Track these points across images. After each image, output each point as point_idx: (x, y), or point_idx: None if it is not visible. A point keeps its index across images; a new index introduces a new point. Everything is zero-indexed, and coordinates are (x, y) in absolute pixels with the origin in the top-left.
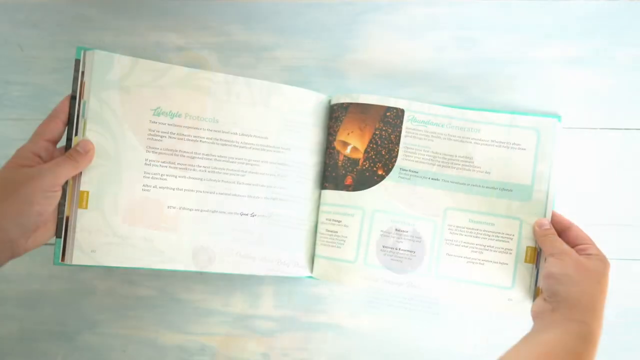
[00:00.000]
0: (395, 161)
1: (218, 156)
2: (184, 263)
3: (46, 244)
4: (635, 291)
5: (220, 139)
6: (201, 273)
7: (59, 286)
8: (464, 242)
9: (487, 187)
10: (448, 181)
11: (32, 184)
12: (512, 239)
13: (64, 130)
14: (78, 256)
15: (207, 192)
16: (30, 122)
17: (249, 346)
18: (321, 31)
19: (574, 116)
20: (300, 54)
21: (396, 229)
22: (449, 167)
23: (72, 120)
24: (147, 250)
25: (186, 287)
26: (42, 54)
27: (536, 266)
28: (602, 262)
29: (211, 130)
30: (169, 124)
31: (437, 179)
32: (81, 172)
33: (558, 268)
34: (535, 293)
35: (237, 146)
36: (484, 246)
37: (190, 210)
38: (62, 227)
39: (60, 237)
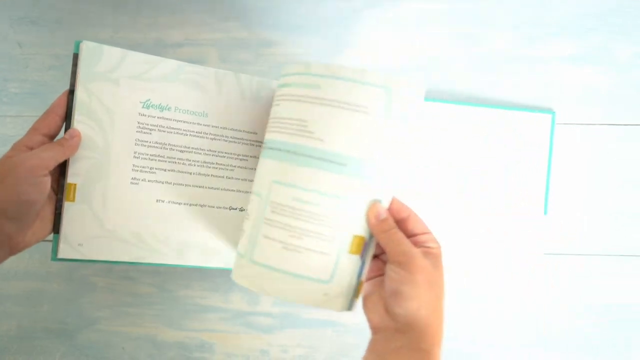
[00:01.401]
0: None
1: (207, 150)
2: (172, 257)
3: (45, 241)
4: (633, 287)
5: (210, 133)
6: (193, 268)
7: (57, 283)
8: (284, 224)
9: (316, 158)
10: (278, 149)
11: (15, 170)
12: (337, 224)
13: (62, 125)
14: (64, 250)
15: (197, 186)
16: (28, 119)
17: (248, 343)
18: (320, 27)
19: (573, 113)
20: (300, 50)
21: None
22: (282, 132)
23: (69, 116)
24: (136, 244)
25: (185, 284)
26: (41, 50)
27: (362, 257)
28: (440, 259)
29: (201, 124)
30: (158, 117)
31: (271, 148)
32: (68, 164)
33: (409, 287)
34: (358, 289)
35: (226, 140)
36: (305, 230)
37: (179, 204)
38: (59, 223)
39: (58, 233)
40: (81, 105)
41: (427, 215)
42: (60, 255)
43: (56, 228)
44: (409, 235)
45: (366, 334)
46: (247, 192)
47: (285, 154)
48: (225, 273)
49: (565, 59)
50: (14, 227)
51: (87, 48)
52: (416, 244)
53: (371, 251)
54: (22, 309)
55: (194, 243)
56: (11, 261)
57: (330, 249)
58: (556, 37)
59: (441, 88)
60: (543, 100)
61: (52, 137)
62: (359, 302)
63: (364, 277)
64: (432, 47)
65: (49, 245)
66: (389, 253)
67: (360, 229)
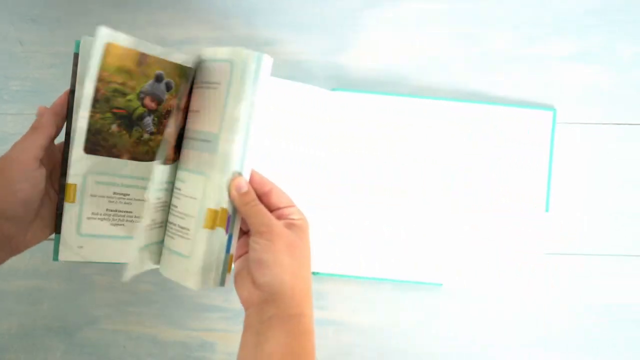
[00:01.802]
0: None
1: None
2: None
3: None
4: (634, 287)
5: None
6: None
7: (58, 282)
8: (158, 202)
9: (189, 138)
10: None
11: (5, 167)
12: (195, 199)
13: (63, 125)
14: (64, 252)
15: None
16: (29, 117)
17: None
18: (322, 26)
19: (574, 111)
20: (301, 48)
21: (114, 192)
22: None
23: (70, 115)
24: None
25: None
26: (42, 48)
27: (227, 232)
28: (305, 230)
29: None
30: None
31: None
32: (69, 164)
33: (269, 254)
34: (228, 263)
35: None
36: (174, 207)
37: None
38: (61, 223)
39: (59, 233)
40: (79, 100)
41: (432, 213)
42: (61, 257)
43: (58, 228)
44: (273, 209)
45: (366, 333)
46: None
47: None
48: None
49: (566, 58)
50: (13, 228)
51: (84, 44)
52: (280, 217)
53: (237, 225)
54: (23, 307)
55: None
56: (12, 260)
57: (190, 224)
58: (556, 36)
59: (442, 87)
60: (544, 99)
61: (54, 136)
62: (231, 277)
63: (232, 251)
64: (432, 47)
65: (50, 244)
66: (251, 225)
67: (221, 203)
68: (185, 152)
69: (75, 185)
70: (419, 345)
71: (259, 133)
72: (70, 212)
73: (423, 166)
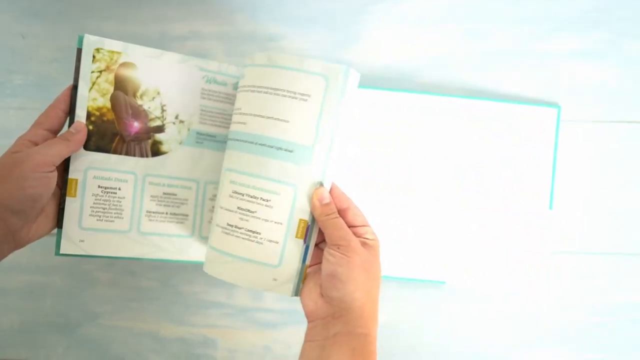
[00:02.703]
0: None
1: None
2: (173, 253)
3: (48, 235)
4: (637, 286)
5: (212, 121)
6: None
7: (60, 278)
8: (232, 209)
9: (261, 145)
10: (231, 139)
11: (21, 166)
12: (285, 209)
13: (65, 120)
14: (66, 246)
15: (192, 180)
16: (31, 112)
17: (251, 339)
18: (328, 21)
19: (579, 109)
20: (307, 44)
21: (163, 193)
22: (237, 122)
23: (73, 110)
24: (139, 240)
25: (188, 279)
26: (44, 42)
27: (305, 242)
28: (378, 252)
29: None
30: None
31: (230, 139)
32: (70, 159)
33: (345, 269)
34: (303, 273)
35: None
36: (255, 216)
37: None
38: (63, 218)
39: (61, 228)
40: (83, 100)
41: (441, 211)
42: (62, 251)
43: (60, 223)
44: (348, 226)
45: None
46: None
47: (240, 144)
48: None
49: (571, 55)
50: (18, 222)
51: (88, 41)
52: (355, 235)
53: (314, 236)
54: (25, 303)
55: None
56: (14, 255)
57: (278, 234)
58: (561, 33)
59: (446, 84)
60: (548, 96)
61: (55, 132)
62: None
63: (308, 261)
64: (437, 44)
65: (53, 240)
66: (328, 236)
67: (305, 214)
68: (258, 158)
69: (77, 180)
70: (422, 343)
71: (343, 146)
72: (71, 206)
73: (433, 164)
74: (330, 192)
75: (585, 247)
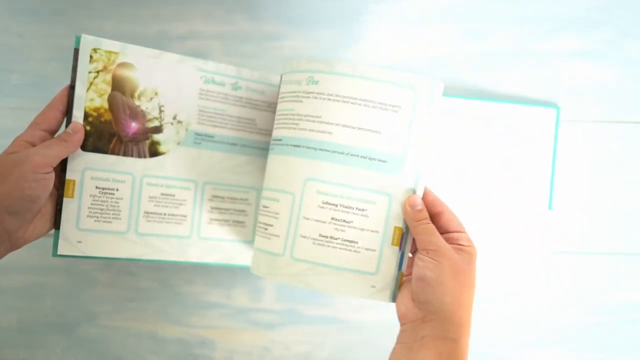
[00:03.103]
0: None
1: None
2: (173, 254)
3: (47, 235)
4: (637, 286)
5: (211, 122)
6: (205, 265)
7: (58, 278)
8: (324, 220)
9: (353, 155)
10: (310, 147)
11: (20, 167)
12: (380, 217)
13: (63, 120)
14: (63, 246)
15: (190, 180)
16: (29, 111)
17: (250, 339)
18: (327, 21)
19: (579, 109)
20: (306, 44)
21: (263, 206)
22: (313, 131)
23: (70, 111)
24: (137, 241)
25: (187, 280)
26: (42, 42)
27: (400, 249)
28: (473, 258)
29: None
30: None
31: (298, 145)
32: (67, 160)
33: (434, 273)
34: (399, 280)
35: (232, 128)
36: (349, 225)
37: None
38: (60, 219)
39: (58, 229)
40: (80, 101)
41: None
42: (60, 252)
43: (57, 224)
44: (442, 232)
45: (369, 331)
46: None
47: (326, 154)
48: (227, 270)
49: (570, 55)
50: (15, 223)
51: (85, 42)
52: (449, 241)
53: (409, 243)
54: (23, 303)
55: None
56: (12, 255)
57: (374, 242)
58: (561, 33)
59: (446, 83)
60: (547, 97)
61: (52, 133)
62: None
63: (404, 268)
64: (436, 43)
65: (51, 240)
66: (418, 242)
67: (400, 221)
68: (350, 169)
69: (74, 181)
70: None
71: (430, 154)
72: (69, 207)
73: (433, 164)
74: (424, 197)
75: (585, 247)
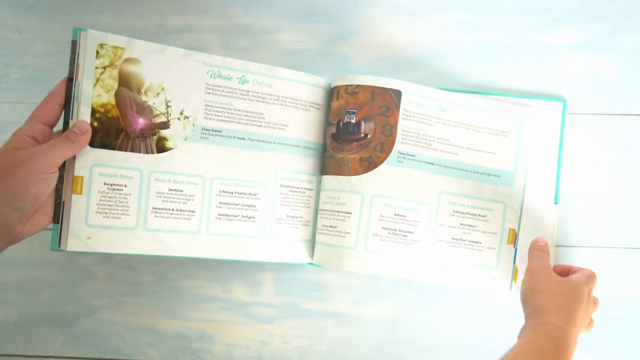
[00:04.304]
0: (393, 145)
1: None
2: (183, 250)
3: (45, 229)
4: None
5: (218, 116)
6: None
7: (57, 272)
8: (455, 226)
9: (475, 172)
10: (442, 165)
11: (27, 165)
12: (498, 221)
13: (61, 113)
14: (72, 242)
15: (198, 176)
16: (28, 106)
17: (248, 333)
18: (323, 14)
19: (581, 101)
20: (302, 37)
21: (395, 214)
22: (444, 152)
23: (69, 103)
24: (145, 236)
25: (186, 274)
26: (40, 36)
27: (514, 246)
28: (584, 275)
29: None
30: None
31: (432, 163)
32: (75, 156)
33: (527, 285)
34: (514, 273)
35: (239, 122)
36: (473, 229)
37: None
38: (60, 213)
39: (58, 223)
40: (86, 96)
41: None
42: (69, 247)
43: (56, 218)
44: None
45: (367, 325)
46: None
47: (454, 171)
48: (225, 264)
49: (571, 46)
50: (16, 217)
51: (92, 37)
52: (569, 272)
53: (520, 241)
54: (21, 297)
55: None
56: (11, 249)
57: (494, 241)
58: (562, 24)
59: (447, 76)
60: (549, 88)
61: (52, 126)
62: (515, 285)
63: (517, 263)
64: (435, 36)
65: (49, 234)
66: (527, 265)
67: (513, 223)
68: (473, 183)
69: (82, 177)
70: (420, 339)
71: (530, 169)
72: (77, 203)
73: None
74: (554, 266)
75: (591, 241)
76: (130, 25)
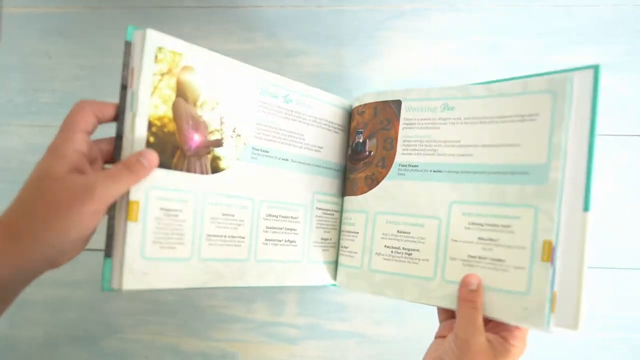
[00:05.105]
0: (394, 158)
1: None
2: (234, 279)
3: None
4: None
5: (266, 135)
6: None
7: (82, 291)
8: (471, 241)
9: (494, 173)
10: (452, 172)
11: (80, 205)
12: (527, 232)
13: (97, 123)
14: (129, 280)
15: (248, 198)
16: (56, 129)
17: (271, 353)
18: (344, 38)
19: (601, 123)
20: (324, 60)
21: (398, 231)
22: (454, 155)
23: (122, 114)
24: (200, 267)
25: (209, 294)
26: (69, 61)
27: (552, 264)
28: (511, 358)
29: None
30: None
31: (440, 171)
32: None
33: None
34: (553, 301)
35: (283, 143)
36: (495, 244)
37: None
38: (111, 245)
39: (110, 257)
40: (143, 107)
41: None
42: (126, 286)
43: (108, 251)
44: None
45: (389, 345)
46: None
47: (468, 175)
48: None
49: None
50: (57, 254)
51: (150, 38)
52: (500, 330)
53: (559, 257)
54: (48, 316)
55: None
56: None
57: (524, 259)
58: (580, 45)
59: None
60: None
61: (90, 134)
62: (556, 320)
63: (556, 287)
64: (455, 57)
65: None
66: (456, 322)
67: (550, 233)
68: (491, 186)
69: (139, 202)
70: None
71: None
72: (133, 233)
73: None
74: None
75: (613, 262)
76: None
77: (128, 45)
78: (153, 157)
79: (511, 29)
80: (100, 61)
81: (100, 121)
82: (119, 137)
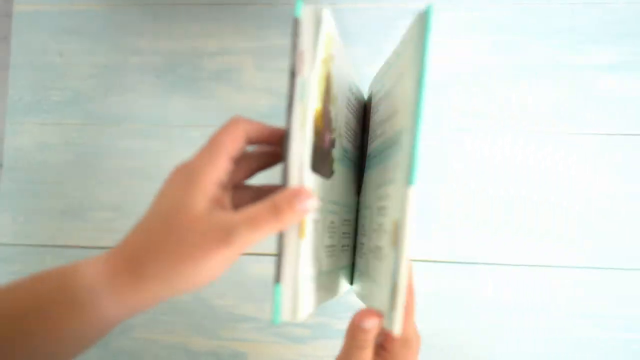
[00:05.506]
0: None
1: None
2: (340, 291)
3: None
4: None
5: (347, 134)
6: (239, 279)
7: None
8: (374, 230)
9: (383, 151)
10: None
11: (219, 249)
12: (390, 211)
13: (245, 146)
14: (303, 306)
15: (339, 204)
16: (67, 127)
17: (281, 353)
18: (357, 36)
19: (612, 123)
20: None
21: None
22: (352, 139)
23: (290, 106)
24: (323, 283)
25: (220, 293)
26: (81, 60)
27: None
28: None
29: None
30: None
31: (350, 159)
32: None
33: None
34: (393, 290)
35: (350, 142)
36: (382, 228)
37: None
38: (281, 269)
39: (279, 282)
40: (314, 99)
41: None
42: (301, 315)
43: (278, 275)
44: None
45: None
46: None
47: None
48: (260, 283)
49: (602, 67)
50: (175, 295)
51: (327, 18)
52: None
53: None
54: None
55: None
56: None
57: (388, 242)
58: (592, 45)
59: (479, 96)
60: (580, 108)
61: (235, 159)
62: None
63: (397, 277)
64: (467, 57)
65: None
66: (342, 353)
67: (396, 212)
68: (377, 170)
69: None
70: (459, 356)
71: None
72: (305, 251)
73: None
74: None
75: (615, 264)
76: (168, 48)
77: (297, 22)
78: (310, 202)
79: (522, 29)
80: (112, 59)
81: (250, 143)
82: (287, 135)
